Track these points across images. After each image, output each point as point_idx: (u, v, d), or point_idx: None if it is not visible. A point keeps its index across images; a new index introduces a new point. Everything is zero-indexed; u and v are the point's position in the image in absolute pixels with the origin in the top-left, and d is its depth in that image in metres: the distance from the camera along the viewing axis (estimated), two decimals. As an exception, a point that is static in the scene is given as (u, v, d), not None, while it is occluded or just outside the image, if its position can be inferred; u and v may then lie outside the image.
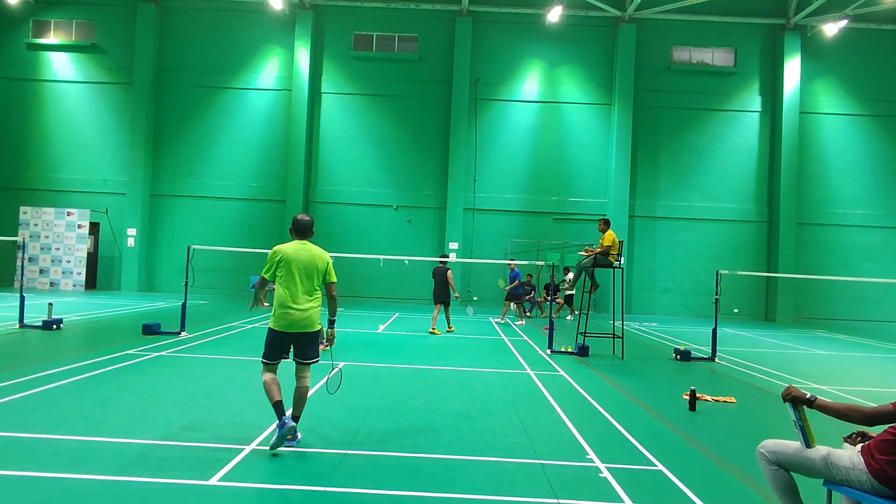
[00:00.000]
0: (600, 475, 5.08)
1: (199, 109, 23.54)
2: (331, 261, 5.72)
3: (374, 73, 23.51)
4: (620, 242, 11.75)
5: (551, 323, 12.67)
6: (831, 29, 22.11)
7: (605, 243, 11.49)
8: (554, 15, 21.90)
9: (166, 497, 4.26)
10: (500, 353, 11.69)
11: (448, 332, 14.56)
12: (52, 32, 23.72)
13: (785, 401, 3.70)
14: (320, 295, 5.66)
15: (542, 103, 23.54)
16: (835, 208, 23.24)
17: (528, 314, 20.09)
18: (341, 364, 9.49)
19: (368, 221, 23.36)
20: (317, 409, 6.68)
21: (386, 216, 23.41)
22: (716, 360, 11.79)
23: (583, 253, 12.48)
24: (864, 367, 12.49)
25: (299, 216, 5.73)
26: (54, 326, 11.85)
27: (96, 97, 23.52)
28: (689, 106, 23.36)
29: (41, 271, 22.10)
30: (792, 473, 3.72)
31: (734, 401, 8.19)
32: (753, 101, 23.47)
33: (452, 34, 23.27)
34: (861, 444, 3.59)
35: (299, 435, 5.56)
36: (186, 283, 12.12)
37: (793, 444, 3.71)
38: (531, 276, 20.63)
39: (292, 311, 5.43)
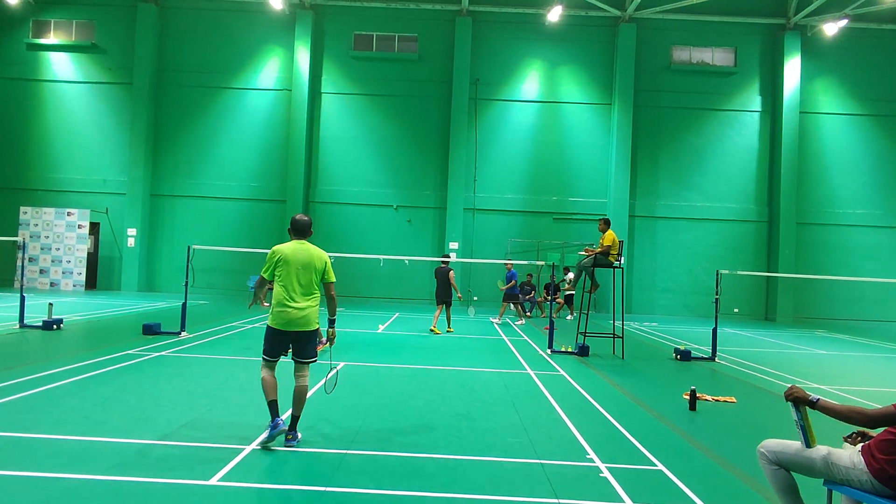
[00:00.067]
0: (600, 475, 5.08)
1: (199, 109, 23.54)
2: (329, 261, 5.75)
3: (374, 73, 23.51)
4: (620, 242, 11.75)
5: (551, 323, 12.67)
6: (831, 29, 22.11)
7: (606, 243, 11.49)
8: (554, 15, 21.90)
9: (167, 497, 4.26)
10: (500, 353, 11.69)
11: (447, 332, 14.56)
12: (52, 32, 23.72)
13: (787, 400, 3.69)
14: (318, 295, 5.69)
15: (542, 103, 23.54)
16: (835, 208, 23.24)
17: (528, 314, 20.10)
18: (341, 364, 9.50)
19: (368, 221, 23.37)
20: (317, 409, 6.68)
21: (386, 216, 23.41)
22: (716, 359, 11.79)
23: (583, 253, 12.48)
24: (864, 367, 12.49)
25: (298, 216, 5.76)
26: (54, 326, 11.86)
27: (96, 97, 23.52)
28: (689, 106, 23.37)
29: (41, 271, 22.10)
30: (792, 473, 3.72)
31: (734, 400, 8.19)
32: (753, 100, 23.47)
33: (452, 34, 23.27)
34: (861, 444, 3.59)
35: (299, 435, 5.56)
36: (186, 283, 12.12)
37: (793, 444, 3.71)
38: (531, 275, 20.63)
39: (290, 310, 5.47)
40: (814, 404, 3.58)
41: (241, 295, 21.65)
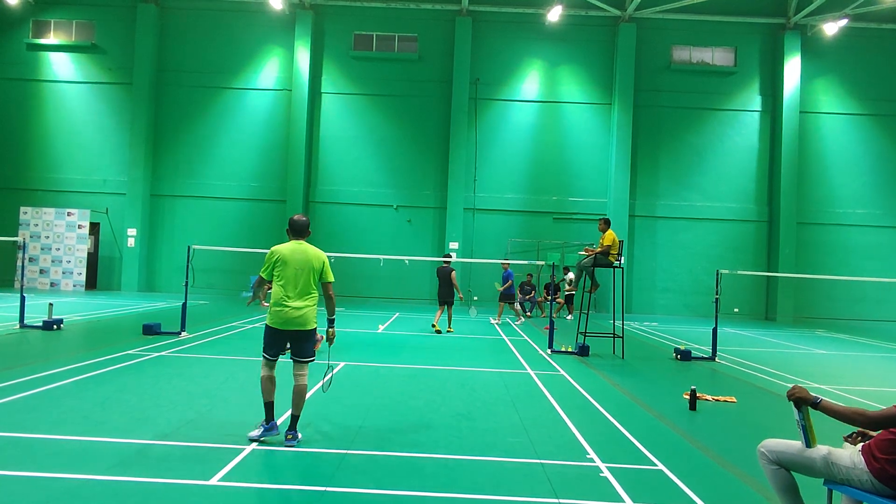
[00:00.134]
0: (601, 475, 5.08)
1: (199, 109, 23.55)
2: (327, 261, 5.79)
3: (374, 73, 23.51)
4: (620, 242, 11.75)
5: (551, 323, 12.66)
6: (831, 28, 22.12)
7: (606, 243, 11.49)
8: (554, 15, 21.90)
9: (167, 497, 4.26)
10: (500, 353, 11.69)
11: (448, 332, 14.57)
12: (52, 33, 23.72)
13: (789, 399, 3.69)
14: (316, 294, 5.74)
15: (542, 103, 23.54)
16: (835, 208, 23.24)
17: (528, 314, 20.10)
18: (341, 364, 9.51)
19: (368, 221, 23.37)
20: (317, 409, 6.68)
21: (386, 216, 23.41)
22: (716, 359, 11.79)
23: (583, 253, 12.47)
24: (864, 366, 12.48)
25: (295, 217, 5.82)
26: (55, 327, 11.86)
27: (96, 97, 23.53)
28: (689, 105, 23.36)
29: (41, 271, 22.10)
30: (792, 473, 3.72)
31: (734, 400, 8.19)
32: (753, 100, 23.47)
33: (452, 34, 23.27)
34: (861, 444, 3.59)
35: (300, 435, 5.57)
36: (187, 283, 12.12)
37: (794, 444, 3.70)
38: (531, 275, 20.63)
39: (287, 310, 5.53)
40: (816, 405, 3.58)
41: (241, 294, 21.65)
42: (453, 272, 15.05)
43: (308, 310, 5.60)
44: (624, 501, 4.53)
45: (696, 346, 13.43)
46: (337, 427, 6.14)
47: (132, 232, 22.78)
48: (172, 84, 23.49)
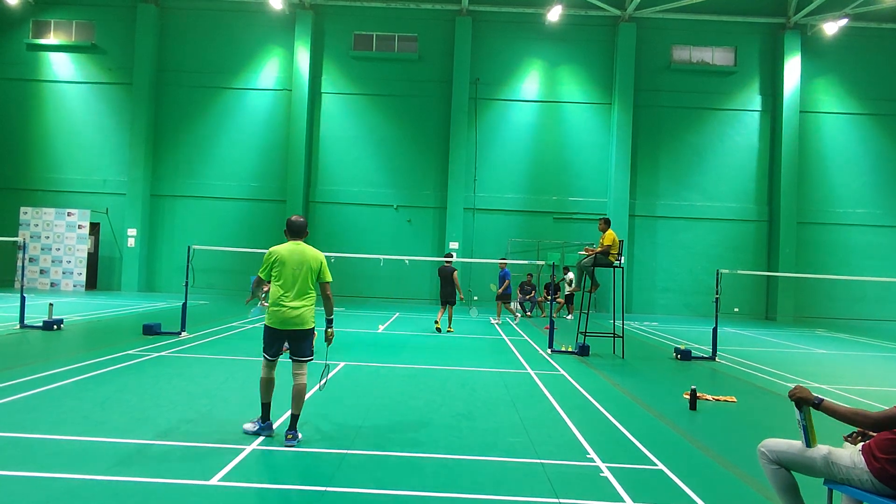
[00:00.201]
0: (601, 475, 5.08)
1: (199, 109, 23.55)
2: (325, 261, 5.84)
3: (374, 73, 23.51)
4: (621, 242, 11.75)
5: (552, 322, 12.66)
6: (831, 28, 22.11)
7: (606, 243, 11.49)
8: (554, 14, 21.91)
9: (167, 497, 4.26)
10: (500, 353, 11.69)
11: (448, 332, 14.57)
12: (52, 33, 23.72)
13: (791, 399, 3.69)
14: (314, 294, 5.79)
15: (542, 103, 23.54)
16: (835, 207, 23.24)
17: (528, 313, 20.11)
18: (342, 364, 9.51)
19: (368, 221, 23.37)
20: (317, 409, 6.68)
21: (386, 216, 23.41)
22: (716, 359, 11.79)
23: (583, 252, 12.47)
24: (865, 366, 12.48)
25: (293, 217, 5.88)
26: (55, 327, 11.86)
27: (96, 97, 23.53)
28: (690, 105, 23.36)
29: (41, 272, 22.11)
30: (793, 472, 3.72)
31: (735, 400, 8.19)
32: (753, 100, 23.47)
33: (452, 34, 23.27)
34: (862, 444, 3.59)
35: (300, 435, 5.58)
36: (187, 283, 12.12)
37: (794, 443, 3.70)
38: (531, 275, 20.64)
39: (285, 310, 5.59)
40: (817, 405, 3.57)
41: (242, 295, 21.64)
42: (455, 272, 15.06)
43: (305, 309, 5.66)
44: (624, 501, 4.53)
45: (697, 346, 13.43)
46: (337, 427, 6.14)
47: (132, 232, 22.78)
48: (172, 84, 23.49)
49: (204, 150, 23.50)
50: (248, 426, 5.75)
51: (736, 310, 22.60)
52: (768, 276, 22.18)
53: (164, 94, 23.51)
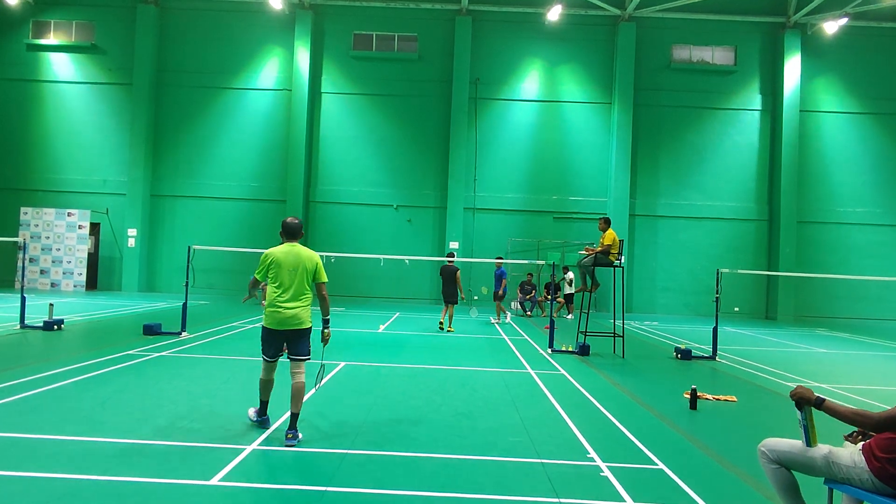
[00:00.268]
0: (601, 474, 5.08)
1: (199, 109, 23.55)
2: (320, 261, 5.89)
3: (374, 72, 23.51)
4: (621, 241, 11.75)
5: (552, 322, 12.65)
6: (831, 27, 22.11)
7: (606, 242, 11.48)
8: (554, 14, 21.91)
9: (167, 497, 4.27)
10: (500, 353, 11.69)
11: (448, 332, 14.58)
12: (51, 33, 23.73)
13: (792, 399, 3.69)
14: (310, 295, 5.84)
15: (542, 102, 23.54)
16: (835, 206, 23.23)
17: (528, 313, 20.12)
18: (342, 364, 9.51)
19: (369, 221, 23.37)
20: (318, 409, 6.69)
21: (386, 216, 23.41)
22: (716, 358, 11.78)
23: (583, 252, 12.47)
24: (866, 365, 12.47)
25: (288, 219, 5.95)
26: (55, 327, 11.86)
27: (96, 98, 23.53)
28: (690, 104, 23.35)
29: (42, 272, 22.11)
30: (793, 472, 3.71)
31: (735, 399, 8.18)
32: (754, 99, 23.46)
33: (452, 34, 23.27)
34: (862, 443, 3.59)
35: (300, 435, 5.58)
36: (187, 283, 12.12)
37: (794, 443, 3.70)
38: (531, 275, 20.64)
39: (282, 310, 5.66)
40: (819, 405, 3.57)
41: (241, 295, 21.64)
42: (458, 271, 15.11)
43: (302, 310, 5.72)
44: (624, 501, 4.53)
45: (697, 346, 13.43)
46: (337, 427, 6.14)
47: (132, 232, 22.79)
48: (172, 84, 23.49)
49: (204, 150, 23.50)
50: (252, 412, 6.02)
51: (736, 309, 22.60)
52: (769, 275, 22.17)
53: (164, 95, 23.51)
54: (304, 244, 5.93)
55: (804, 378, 10.27)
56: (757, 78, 23.48)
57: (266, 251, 5.83)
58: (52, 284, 22.08)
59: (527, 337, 14.25)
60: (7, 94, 23.56)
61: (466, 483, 4.76)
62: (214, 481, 4.58)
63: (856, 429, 3.77)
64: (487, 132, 23.41)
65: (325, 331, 5.87)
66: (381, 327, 14.98)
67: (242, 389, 7.56)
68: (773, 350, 13.96)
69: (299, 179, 22.83)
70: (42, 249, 22.03)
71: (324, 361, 6.56)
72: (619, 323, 12.18)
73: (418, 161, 23.52)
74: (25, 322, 11.97)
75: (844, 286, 22.63)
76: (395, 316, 17.94)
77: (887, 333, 18.69)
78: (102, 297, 20.25)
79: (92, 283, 22.91)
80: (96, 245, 23.37)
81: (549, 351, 11.94)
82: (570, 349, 12.01)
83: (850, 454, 3.53)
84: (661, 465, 5.34)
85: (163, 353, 9.82)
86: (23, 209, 22.18)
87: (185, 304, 12.11)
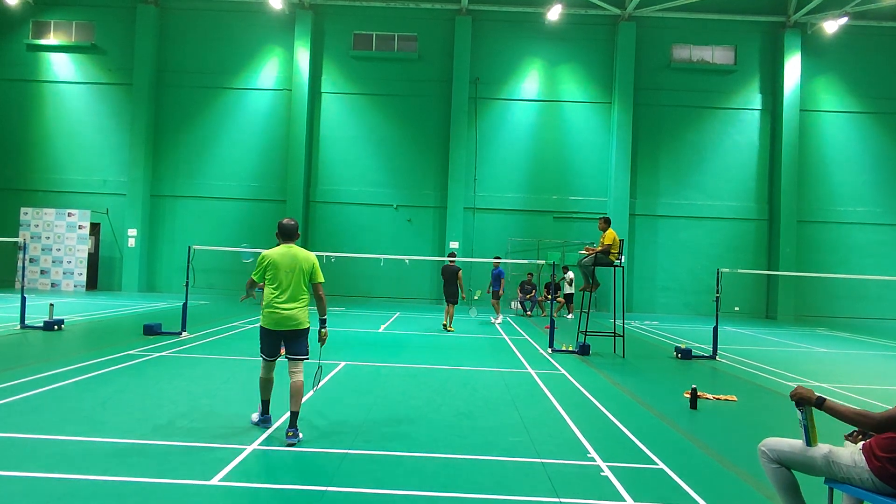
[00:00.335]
0: (602, 474, 5.08)
1: (199, 110, 23.55)
2: (317, 262, 5.94)
3: (373, 72, 23.51)
4: (621, 241, 11.74)
5: (552, 322, 12.65)
6: (831, 26, 22.10)
7: (606, 242, 11.47)
8: (554, 14, 21.90)
9: (167, 497, 4.27)
10: (501, 353, 11.69)
11: (448, 331, 14.59)
12: (51, 33, 23.73)
13: (792, 399, 3.69)
14: (307, 295, 5.88)
15: (542, 102, 23.53)
16: (836, 206, 23.22)
17: (528, 312, 20.12)
18: (342, 364, 9.52)
19: (369, 221, 23.37)
20: (318, 409, 6.69)
21: (386, 216, 23.41)
22: (717, 358, 11.78)
23: (583, 252, 12.46)
24: (866, 364, 12.47)
25: (284, 221, 5.97)
26: (55, 327, 11.86)
27: (96, 98, 23.53)
28: (690, 104, 23.35)
29: (42, 272, 22.11)
30: (793, 471, 3.71)
31: (735, 399, 8.18)
32: (754, 98, 23.45)
33: (452, 33, 23.26)
34: (862, 442, 3.59)
35: (300, 434, 5.59)
36: (187, 283, 12.12)
37: (794, 442, 3.70)
38: (532, 274, 20.64)
39: (279, 311, 5.71)
40: (819, 405, 3.57)
41: (242, 294, 21.65)
42: (460, 271, 15.13)
43: (299, 310, 5.77)
44: (625, 500, 4.53)
45: (697, 345, 13.43)
46: (338, 427, 6.14)
47: (132, 232, 22.79)
48: (172, 84, 23.49)
49: (204, 150, 23.50)
50: (255, 416, 6.06)
51: (736, 309, 22.60)
52: (769, 274, 22.17)
53: (164, 95, 23.51)
54: (305, 244, 5.96)
55: (804, 377, 10.27)
56: (757, 77, 23.47)
57: (263, 252, 5.87)
58: (53, 284, 22.08)
59: (527, 337, 14.26)
60: (7, 94, 23.56)
61: (467, 483, 4.76)
62: (215, 481, 4.58)
63: (856, 428, 3.77)
64: (487, 132, 23.41)
65: (322, 330, 5.90)
66: (382, 327, 14.99)
67: (243, 389, 7.56)
68: (773, 349, 13.96)
69: (299, 179, 22.83)
70: (42, 250, 22.03)
71: (321, 362, 6.56)
72: (619, 322, 12.18)
73: (418, 161, 23.52)
74: (26, 322, 11.98)
75: (844, 285, 22.62)
76: (396, 316, 17.94)
77: (887, 333, 18.69)
78: (103, 297, 20.25)
79: (92, 284, 22.91)
80: (96, 245, 23.37)
81: (550, 351, 11.94)
82: (571, 349, 12.01)
83: (851, 454, 3.53)
84: (662, 465, 5.34)
85: (163, 353, 9.82)
86: (23, 209, 22.19)
87: (185, 304, 12.11)
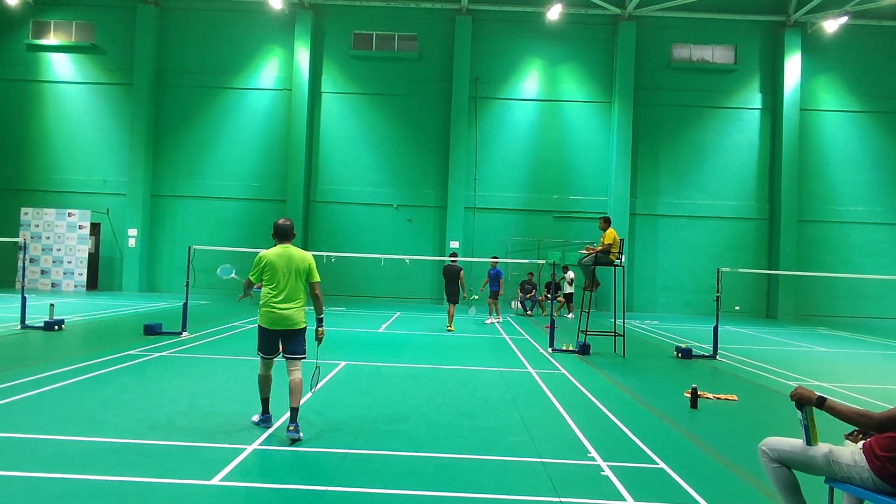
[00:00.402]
0: (602, 473, 5.08)
1: (199, 110, 23.55)
2: (313, 262, 5.97)
3: (373, 72, 23.50)
4: (621, 240, 11.74)
5: (552, 321, 12.64)
6: (831, 26, 22.09)
7: (606, 241, 11.47)
8: (554, 13, 21.89)
9: (168, 497, 4.27)
10: (501, 352, 11.69)
11: (448, 331, 14.59)
12: (51, 33, 23.73)
13: (792, 399, 3.68)
14: (304, 295, 5.93)
15: (543, 102, 23.52)
16: (836, 205, 23.22)
17: (528, 312, 20.12)
18: (342, 363, 9.52)
19: (369, 221, 23.36)
20: (318, 409, 6.69)
21: (386, 215, 23.41)
22: (717, 357, 11.78)
23: (584, 251, 12.46)
24: (866, 364, 12.47)
25: (279, 221, 6.01)
26: (56, 327, 11.87)
27: (96, 98, 23.53)
28: (690, 103, 23.34)
29: (42, 272, 22.11)
30: (794, 471, 3.71)
31: (736, 398, 8.18)
32: (754, 98, 23.44)
33: (452, 33, 23.25)
34: (863, 442, 3.59)
35: (301, 434, 5.58)
36: (187, 283, 12.13)
37: (795, 442, 3.70)
38: (532, 274, 20.64)
39: (276, 310, 5.76)
40: (820, 405, 3.57)
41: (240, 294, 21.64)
42: (462, 271, 15.14)
43: (295, 310, 5.81)
44: (625, 500, 4.53)
45: (697, 345, 13.41)
46: (338, 426, 6.14)
47: (133, 232, 22.79)
48: (172, 84, 23.49)
49: (204, 150, 23.50)
50: (255, 418, 6.07)
51: (737, 308, 22.60)
52: (769, 274, 22.16)
53: (164, 95, 23.51)
54: (305, 244, 5.99)
55: (805, 377, 10.27)
56: (757, 77, 23.46)
57: (260, 253, 5.91)
58: (53, 285, 22.09)
59: (527, 336, 14.25)
60: (7, 94, 23.56)
61: (467, 483, 4.76)
62: (215, 481, 4.58)
63: (856, 428, 3.77)
64: (487, 131, 23.40)
65: (319, 329, 5.93)
66: (382, 327, 14.99)
67: (243, 389, 7.56)
68: (773, 349, 13.96)
69: (299, 179, 22.83)
70: (42, 250, 22.04)
71: (318, 363, 6.57)
72: (619, 322, 12.18)
73: (418, 160, 23.52)
74: (26, 322, 11.98)
75: (845, 285, 22.62)
76: (396, 315, 17.94)
77: (888, 332, 18.68)
78: (103, 297, 20.25)
79: (92, 284, 22.91)
80: (97, 245, 23.37)
81: (550, 350, 11.94)
82: (571, 348, 12.00)
83: (851, 453, 3.53)
84: (662, 465, 5.34)
85: (163, 353, 9.82)
86: (23, 209, 22.19)
87: (185, 304, 12.12)
